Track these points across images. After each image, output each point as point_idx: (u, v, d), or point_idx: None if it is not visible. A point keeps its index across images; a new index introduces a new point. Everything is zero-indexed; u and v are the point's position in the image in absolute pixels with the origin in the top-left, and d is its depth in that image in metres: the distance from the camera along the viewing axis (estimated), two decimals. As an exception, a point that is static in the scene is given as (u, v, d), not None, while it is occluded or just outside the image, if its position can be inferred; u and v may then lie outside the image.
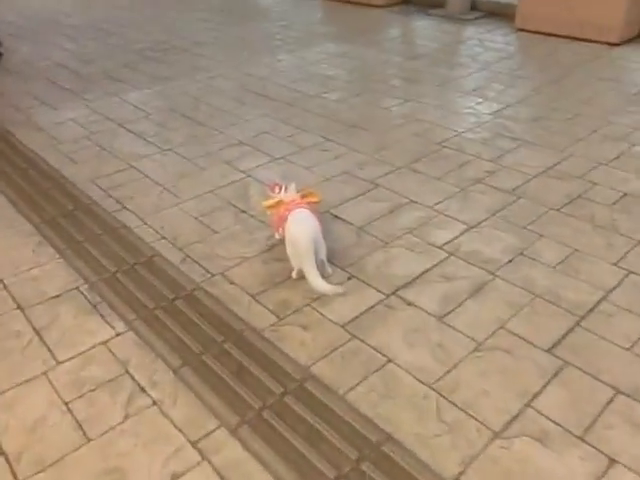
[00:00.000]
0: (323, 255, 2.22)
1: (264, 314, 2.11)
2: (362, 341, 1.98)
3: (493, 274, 2.28)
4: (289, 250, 2.23)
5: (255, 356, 1.93)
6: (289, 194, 2.43)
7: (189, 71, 4.69)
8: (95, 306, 2.17)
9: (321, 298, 2.17)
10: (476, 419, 1.69)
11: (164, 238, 2.56)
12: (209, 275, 2.32)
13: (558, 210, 2.68)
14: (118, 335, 2.03)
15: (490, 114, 3.72)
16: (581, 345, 1.94)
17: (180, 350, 1.96)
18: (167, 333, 2.03)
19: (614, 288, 2.19)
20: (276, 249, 2.46)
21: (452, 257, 2.39)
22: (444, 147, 3.31)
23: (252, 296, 2.20)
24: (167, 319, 2.09)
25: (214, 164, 3.20)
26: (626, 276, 2.25)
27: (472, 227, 2.58)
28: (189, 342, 1.99)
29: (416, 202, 2.78)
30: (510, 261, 2.35)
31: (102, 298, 2.20)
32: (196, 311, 2.13)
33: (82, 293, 2.24)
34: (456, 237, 2.51)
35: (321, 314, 2.11)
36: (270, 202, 2.38)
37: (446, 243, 2.48)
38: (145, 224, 2.67)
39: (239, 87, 4.32)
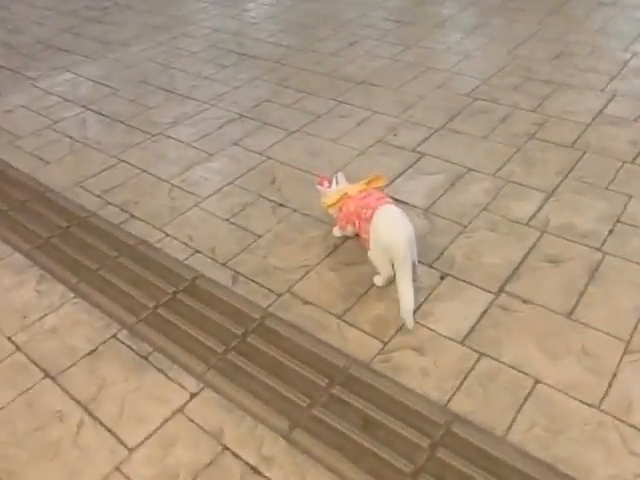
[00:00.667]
0: (415, 256, 1.83)
1: (363, 340, 1.73)
2: (493, 359, 1.65)
3: (600, 250, 1.99)
4: (376, 254, 1.83)
5: (377, 400, 1.56)
6: (344, 185, 2.03)
7: (144, 32, 4.01)
8: (147, 358, 1.71)
9: (422, 307, 1.81)
10: (674, 446, 1.42)
11: (198, 252, 2.10)
12: (274, 296, 1.89)
13: (632, 162, 2.40)
14: (193, 397, 1.59)
15: (507, 55, 3.36)
16: None
17: (280, 406, 1.56)
18: (254, 384, 1.62)
19: None
20: (341, 250, 2.06)
21: (545, 235, 2.07)
22: (475, 99, 2.94)
23: (338, 317, 1.81)
24: (247, 364, 1.67)
25: (221, 147, 2.69)
26: None
27: (550, 195, 2.26)
28: (288, 393, 1.59)
29: (475, 170, 2.42)
30: (611, 232, 2.06)
31: (152, 346, 1.75)
32: (279, 347, 1.72)
33: (123, 342, 1.77)
34: (539, 209, 2.19)
35: (430, 329, 1.75)
36: (333, 199, 1.96)
37: (531, 218, 2.15)
38: (167, 235, 2.18)
39: (211, 46, 3.72)
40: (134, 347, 1.75)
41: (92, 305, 1.90)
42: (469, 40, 3.59)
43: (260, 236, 2.15)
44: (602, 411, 1.50)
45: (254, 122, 2.87)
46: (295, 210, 2.26)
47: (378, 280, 1.90)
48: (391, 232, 1.76)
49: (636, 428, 1.46)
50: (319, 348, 1.71)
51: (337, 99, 3.02)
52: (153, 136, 2.81)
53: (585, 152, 2.48)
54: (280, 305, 1.86)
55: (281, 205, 2.30)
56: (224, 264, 2.03)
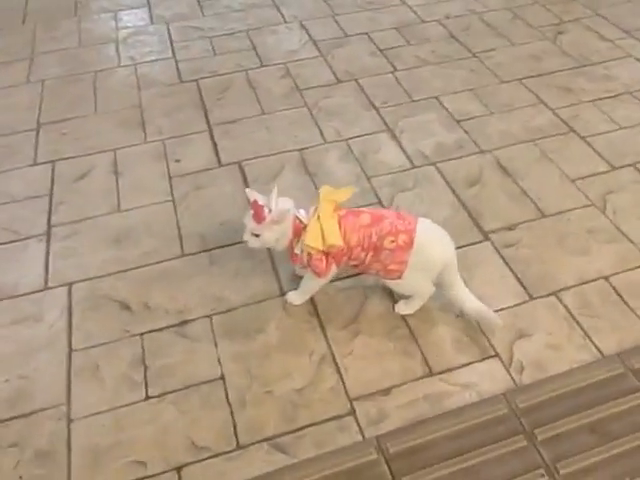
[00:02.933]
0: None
1: (482, 370, 1.40)
2: (565, 289, 1.57)
3: (484, 152, 2.02)
4: (417, 278, 1.44)
5: (571, 407, 1.32)
6: (284, 206, 1.43)
7: None
8: None
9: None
10: None
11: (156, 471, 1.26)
12: (350, 418, 1.31)
13: (395, 70, 2.45)
14: None
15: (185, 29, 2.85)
16: None
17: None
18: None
19: None
20: (322, 307, 1.55)
21: (438, 164, 1.98)
22: (199, 79, 2.44)
23: (433, 374, 1.39)
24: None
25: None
26: None
27: (387, 129, 2.14)
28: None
29: (306, 147, 2.08)
30: (467, 132, 2.11)
31: None
32: (427, 464, 1.23)
33: None
34: (400, 146, 2.06)
35: (502, 309, 1.52)
36: (334, 234, 1.38)
37: (409, 159, 2.01)
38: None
39: None
40: None
41: None
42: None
43: (222, 377, 1.41)
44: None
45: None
46: (193, 320, 1.55)
47: (408, 307, 1.52)
48: (444, 247, 1.44)
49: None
50: (466, 416, 1.31)
51: (50, 160, 2.08)
52: None
53: (356, 79, 2.40)
54: (369, 421, 1.32)
55: (184, 323, 1.54)
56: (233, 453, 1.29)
